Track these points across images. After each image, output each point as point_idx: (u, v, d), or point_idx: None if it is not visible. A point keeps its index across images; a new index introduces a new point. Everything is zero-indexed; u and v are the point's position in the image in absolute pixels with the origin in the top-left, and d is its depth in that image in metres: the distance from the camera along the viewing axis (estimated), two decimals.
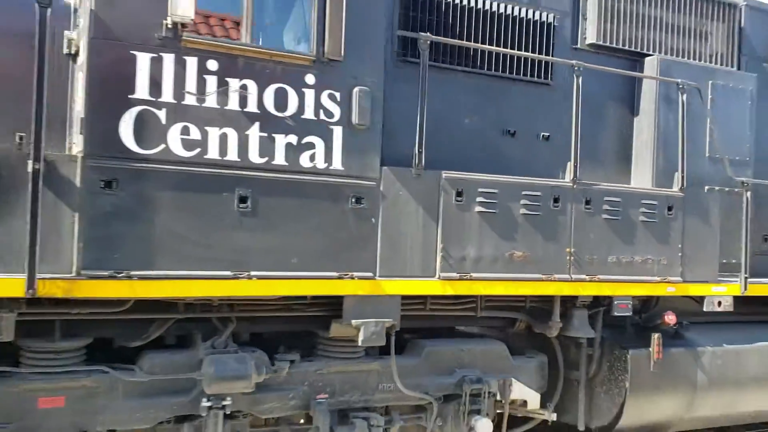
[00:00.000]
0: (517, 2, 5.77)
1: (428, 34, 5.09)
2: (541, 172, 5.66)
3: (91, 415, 4.35)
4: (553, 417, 5.86)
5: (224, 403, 4.55)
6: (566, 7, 6.11)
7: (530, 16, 5.83)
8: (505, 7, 5.75)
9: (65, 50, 4.34)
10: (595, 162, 6.11)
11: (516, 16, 5.77)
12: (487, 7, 5.69)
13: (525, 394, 5.71)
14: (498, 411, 5.64)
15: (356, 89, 4.68)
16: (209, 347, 4.69)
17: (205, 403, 4.51)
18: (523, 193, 5.24)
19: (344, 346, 5.11)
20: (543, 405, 5.84)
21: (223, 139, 4.34)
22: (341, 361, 5.10)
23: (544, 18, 5.89)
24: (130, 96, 4.11)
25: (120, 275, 4.06)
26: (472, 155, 5.60)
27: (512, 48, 5.71)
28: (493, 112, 5.84)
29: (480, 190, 5.09)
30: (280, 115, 4.49)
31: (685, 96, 6.01)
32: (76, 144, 4.16)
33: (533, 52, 5.80)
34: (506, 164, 5.60)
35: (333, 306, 4.91)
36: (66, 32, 4.35)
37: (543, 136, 6.02)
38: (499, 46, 5.65)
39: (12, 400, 4.15)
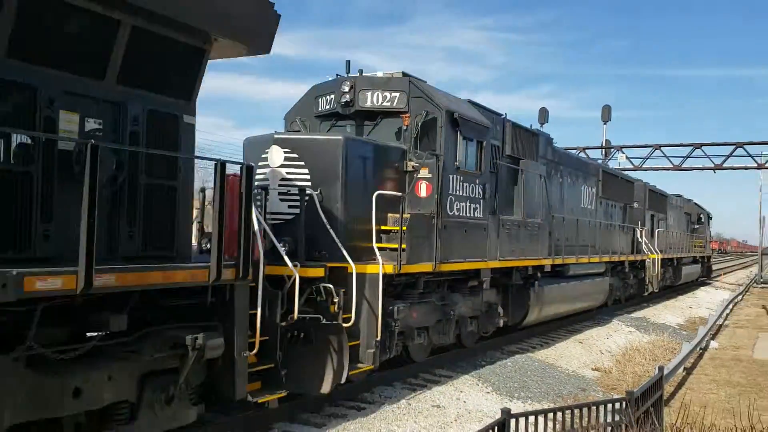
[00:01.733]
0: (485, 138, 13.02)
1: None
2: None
3: None
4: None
5: None
6: (498, 139, 13.47)
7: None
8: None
9: (407, 168, 10.08)
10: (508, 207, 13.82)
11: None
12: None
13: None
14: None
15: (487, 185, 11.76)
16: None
17: None
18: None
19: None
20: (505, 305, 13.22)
21: (464, 208, 10.92)
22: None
23: (494, 143, 13.25)
24: (449, 192, 10.39)
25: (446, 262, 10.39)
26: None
27: None
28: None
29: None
30: (474, 196, 11.25)
31: (525, 176, 13.81)
32: (425, 212, 10.08)
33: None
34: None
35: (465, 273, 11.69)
36: (409, 161, 10.04)
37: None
38: None
39: None
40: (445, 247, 10.36)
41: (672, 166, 36.76)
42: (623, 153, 38.08)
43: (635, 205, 23.29)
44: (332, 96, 10.65)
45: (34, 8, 5.20)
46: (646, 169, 37.31)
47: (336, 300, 8.26)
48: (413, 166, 10.09)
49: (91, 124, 5.83)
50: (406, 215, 9.49)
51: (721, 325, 20.88)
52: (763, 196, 47.95)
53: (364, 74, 10.70)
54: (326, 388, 7.99)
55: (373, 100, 10.42)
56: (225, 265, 6.35)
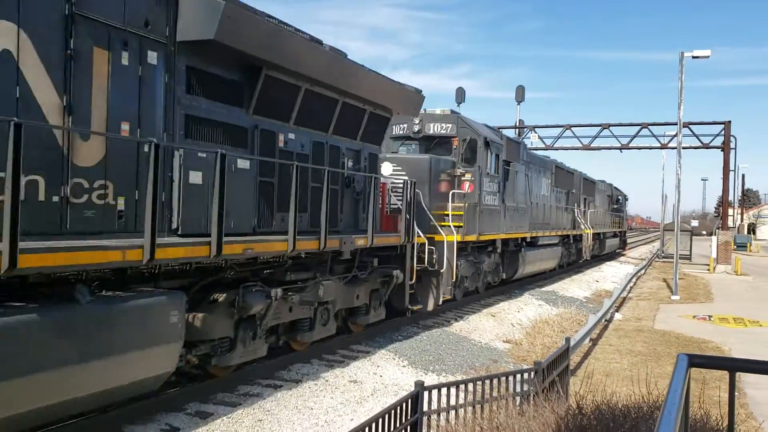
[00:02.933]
0: (499, 151, 16.42)
1: None
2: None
3: None
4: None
5: None
6: (501, 150, 17.93)
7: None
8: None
9: (456, 174, 15.48)
10: (507, 197, 18.55)
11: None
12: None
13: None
14: None
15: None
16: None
17: None
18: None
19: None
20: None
21: (490, 199, 16.28)
22: None
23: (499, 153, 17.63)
24: (483, 189, 16.12)
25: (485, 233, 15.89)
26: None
27: None
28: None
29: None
30: (493, 191, 16.95)
31: (515, 174, 19.14)
32: (471, 202, 15.58)
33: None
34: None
35: (487, 242, 16.92)
36: (458, 169, 15.44)
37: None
38: None
39: None
40: (481, 224, 16.09)
41: (582, 145, 38.06)
42: (536, 132, 39.13)
43: (574, 191, 29.18)
44: (405, 125, 15.98)
45: (271, 85, 8.74)
46: (557, 149, 38.55)
47: (435, 256, 13.53)
48: (460, 172, 15.64)
49: (348, 163, 11.11)
50: (466, 204, 15.29)
51: (625, 298, 21.91)
52: (665, 174, 50.37)
53: (427, 112, 15.83)
54: (431, 307, 14.02)
55: (434, 129, 16.03)
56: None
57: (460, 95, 39.98)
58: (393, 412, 5.61)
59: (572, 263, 30.37)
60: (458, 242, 14.40)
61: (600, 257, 37.68)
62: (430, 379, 9.48)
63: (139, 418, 7.10)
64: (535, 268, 22.37)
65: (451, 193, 14.85)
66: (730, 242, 38.66)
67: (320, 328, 10.09)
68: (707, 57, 25.03)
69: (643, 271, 33.04)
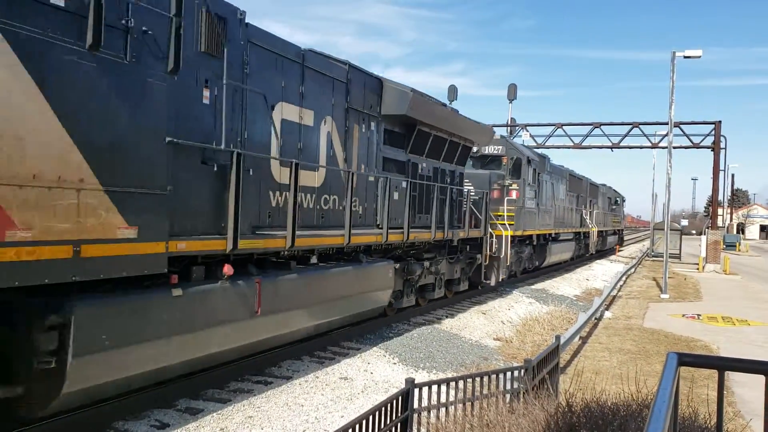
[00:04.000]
0: (537, 166, 16.88)
1: None
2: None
3: None
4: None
5: None
6: (536, 164, 20.35)
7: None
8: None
9: (505, 184, 19.08)
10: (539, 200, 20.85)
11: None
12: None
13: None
14: None
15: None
16: None
17: None
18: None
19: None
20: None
21: (529, 203, 18.19)
22: None
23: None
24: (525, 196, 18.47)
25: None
26: None
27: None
28: None
29: None
30: (532, 196, 18.98)
31: (543, 183, 22.40)
32: (517, 206, 17.91)
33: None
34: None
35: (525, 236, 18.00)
36: (507, 180, 18.97)
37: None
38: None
39: None
40: (523, 223, 20.98)
41: (573, 144, 38.15)
42: (527, 131, 39.19)
43: (582, 194, 34.05)
44: None
45: (419, 134, 13.54)
46: (548, 147, 38.59)
47: (495, 246, 18.45)
48: (508, 183, 20.15)
49: (448, 180, 15.34)
50: (515, 207, 20.04)
51: (615, 296, 22.03)
52: (656, 174, 50.54)
53: None
54: (494, 283, 18.89)
55: (489, 150, 20.72)
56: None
57: (453, 93, 40.04)
58: (383, 409, 5.61)
59: (581, 256, 35.63)
60: (510, 236, 19.21)
61: (602, 251, 43.55)
62: (420, 377, 9.50)
63: (129, 413, 7.07)
64: (558, 258, 28.41)
65: (505, 199, 19.64)
66: (719, 241, 38.86)
67: (438, 290, 14.92)
68: (699, 57, 25.13)
69: (633, 270, 33.21)
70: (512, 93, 40.94)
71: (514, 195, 20.12)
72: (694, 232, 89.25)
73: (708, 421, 5.90)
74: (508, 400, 6.93)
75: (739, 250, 60.77)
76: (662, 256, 28.22)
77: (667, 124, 26.02)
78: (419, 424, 6.28)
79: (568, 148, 38.61)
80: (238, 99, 8.05)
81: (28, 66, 5.06)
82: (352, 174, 10.47)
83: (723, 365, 3.37)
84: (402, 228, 12.24)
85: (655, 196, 55.97)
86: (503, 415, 6.15)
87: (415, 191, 13.17)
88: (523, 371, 7.19)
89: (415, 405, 6.23)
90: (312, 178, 9.89)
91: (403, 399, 5.97)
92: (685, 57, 25.07)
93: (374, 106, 11.83)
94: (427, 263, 13.83)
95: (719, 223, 43.53)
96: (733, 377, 9.87)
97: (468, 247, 16.67)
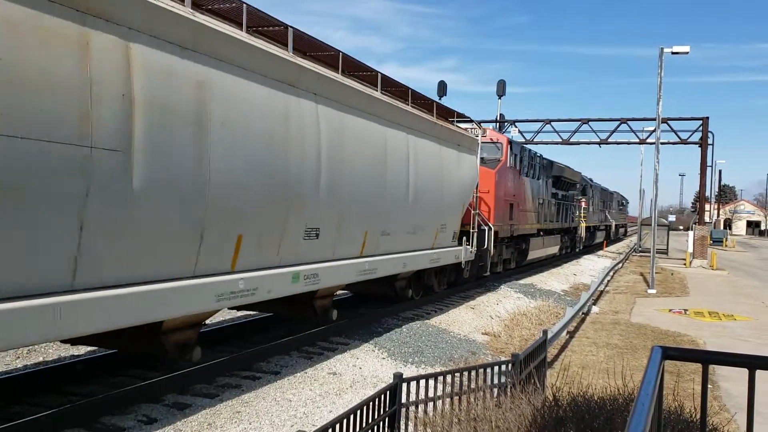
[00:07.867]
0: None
1: None
2: None
3: None
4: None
5: None
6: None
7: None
8: None
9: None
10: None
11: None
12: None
13: None
14: None
15: None
16: None
17: None
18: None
19: None
20: None
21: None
22: None
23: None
24: None
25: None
26: None
27: None
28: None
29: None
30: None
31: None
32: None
33: None
34: None
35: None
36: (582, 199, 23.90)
37: None
38: None
39: None
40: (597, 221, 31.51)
41: (561, 140, 38.28)
42: (516, 127, 39.28)
43: (606, 201, 46.39)
44: None
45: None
46: (537, 143, 38.69)
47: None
48: (583, 199, 25.70)
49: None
50: (584, 215, 29.48)
51: (602, 291, 22.14)
52: (643, 169, 50.89)
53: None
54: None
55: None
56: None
57: (442, 88, 40.07)
58: (372, 403, 5.62)
59: (610, 239, 52.62)
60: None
61: (618, 239, 61.70)
62: (409, 371, 9.52)
63: (116, 408, 7.05)
64: (598, 240, 44.68)
65: (582, 207, 28.11)
66: (706, 237, 39.13)
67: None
68: (686, 53, 25.27)
69: (620, 265, 33.39)
70: (501, 89, 40.99)
71: (583, 206, 34.17)
72: (681, 227, 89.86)
73: (693, 415, 5.93)
74: (495, 394, 6.96)
75: (726, 246, 61.23)
76: (649, 252, 28.40)
77: (654, 120, 26.15)
78: (407, 418, 6.30)
79: (557, 144, 38.76)
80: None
81: None
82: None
83: (707, 359, 3.40)
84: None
85: (642, 191, 56.29)
86: (490, 410, 6.17)
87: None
88: (510, 366, 7.22)
89: (404, 399, 6.24)
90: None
91: (391, 393, 5.99)
92: (673, 53, 25.20)
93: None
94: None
95: (706, 218, 43.82)
96: (721, 372, 9.95)
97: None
